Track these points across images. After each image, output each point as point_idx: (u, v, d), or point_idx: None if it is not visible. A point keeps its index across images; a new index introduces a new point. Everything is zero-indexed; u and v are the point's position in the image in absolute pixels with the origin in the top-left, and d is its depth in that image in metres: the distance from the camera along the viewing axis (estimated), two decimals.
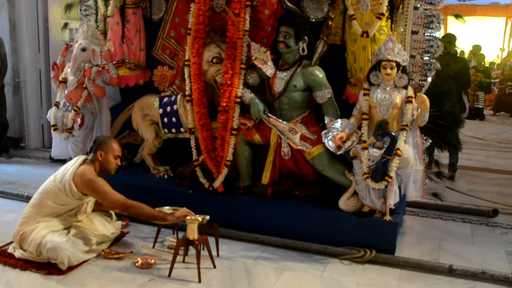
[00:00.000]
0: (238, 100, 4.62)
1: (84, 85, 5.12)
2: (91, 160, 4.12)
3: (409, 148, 4.16)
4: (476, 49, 15.67)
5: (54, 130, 5.18)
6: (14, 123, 7.51)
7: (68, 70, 5.19)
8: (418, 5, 4.52)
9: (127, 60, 5.46)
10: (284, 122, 4.55)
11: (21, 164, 6.98)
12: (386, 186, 4.13)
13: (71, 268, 3.82)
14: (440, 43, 4.54)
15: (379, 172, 4.09)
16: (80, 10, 5.85)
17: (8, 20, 7.34)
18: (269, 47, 4.66)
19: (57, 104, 5.21)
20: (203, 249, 4.02)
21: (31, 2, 7.39)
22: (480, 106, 12.32)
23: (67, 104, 5.15)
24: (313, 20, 4.81)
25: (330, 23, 4.71)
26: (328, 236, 4.34)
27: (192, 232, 3.81)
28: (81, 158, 4.16)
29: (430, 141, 4.55)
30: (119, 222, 4.49)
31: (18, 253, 3.93)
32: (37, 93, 7.76)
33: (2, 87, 6.78)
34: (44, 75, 7.65)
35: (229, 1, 4.62)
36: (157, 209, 4.21)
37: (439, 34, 4.66)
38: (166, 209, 4.33)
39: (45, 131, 7.84)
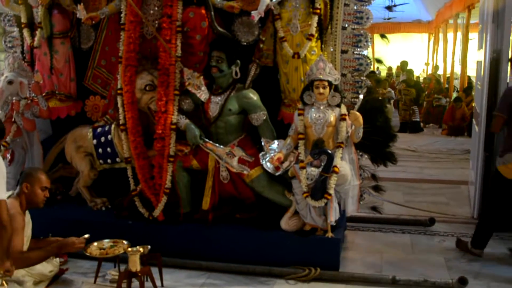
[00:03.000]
0: (174, 126, 4.59)
1: (13, 119, 4.94)
2: (17, 193, 3.95)
3: (346, 164, 4.25)
4: (404, 64, 16.27)
5: None
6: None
7: None
8: (346, 25, 4.66)
9: (57, 91, 5.29)
10: (221, 146, 4.54)
11: None
12: (326, 204, 4.18)
13: None
14: (369, 61, 4.68)
15: (318, 190, 4.14)
16: (5, 41, 5.67)
17: None
18: (202, 72, 4.66)
19: None
20: (147, 280, 3.92)
21: None
22: (417, 119, 12.72)
23: None
24: (245, 43, 4.86)
25: (261, 45, 4.75)
26: (273, 257, 4.35)
27: (134, 264, 3.73)
28: (8, 193, 3.98)
29: (366, 156, 4.65)
30: (57, 259, 4.31)
31: None
32: None
33: None
34: None
35: (160, 28, 4.61)
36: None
37: (367, 52, 4.80)
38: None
39: None
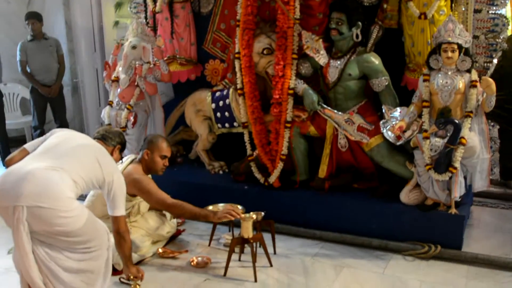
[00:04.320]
0: (291, 91, 4.47)
1: (136, 83, 5.10)
2: (139, 159, 4.08)
3: (475, 136, 3.91)
4: None
5: None
6: (74, 123, 7.65)
7: (120, 68, 5.19)
8: None
9: (178, 56, 5.41)
10: (340, 112, 4.36)
11: None
12: (450, 178, 3.89)
13: None
14: (506, 21, 4.24)
15: (443, 162, 3.86)
16: (130, 7, 5.85)
17: (64, 22, 7.47)
18: (321, 34, 4.48)
19: (110, 103, 5.22)
20: (259, 246, 3.91)
21: (85, 3, 7.48)
22: None
23: (120, 102, 5.15)
24: (367, 4, 4.57)
25: (385, 6, 4.48)
26: (390, 231, 4.15)
27: (247, 231, 3.71)
28: (130, 157, 4.14)
29: (498, 127, 4.27)
30: (174, 220, 4.45)
31: None
32: (95, 92, 7.87)
33: (61, 88, 6.89)
34: (100, 75, 7.69)
35: None
36: (210, 207, 4.14)
37: (505, 11, 4.34)
38: (221, 206, 4.25)
39: None
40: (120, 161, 3.99)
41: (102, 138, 3.54)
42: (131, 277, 3.51)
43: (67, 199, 2.88)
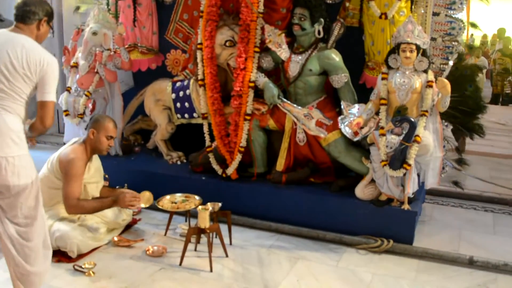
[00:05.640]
0: (252, 84, 4.49)
1: (96, 70, 5.03)
2: (84, 140, 3.97)
3: (429, 134, 4.02)
4: (501, 32, 15.23)
5: (66, 115, 5.10)
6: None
7: (79, 54, 5.10)
8: None
9: (139, 44, 5.36)
10: (299, 107, 4.41)
11: (37, 150, 6.90)
12: (404, 174, 4.00)
13: (81, 255, 3.77)
14: (463, 25, 4.36)
15: (398, 159, 3.96)
16: None
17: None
18: (284, 29, 4.52)
19: (68, 89, 5.12)
20: (216, 237, 3.92)
21: None
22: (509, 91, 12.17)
23: (78, 89, 5.06)
24: (330, 1, 4.66)
25: (347, 4, 4.56)
26: (344, 225, 4.23)
27: (204, 221, 3.72)
28: (74, 139, 4.05)
29: (451, 127, 4.40)
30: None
31: None
32: None
33: None
34: (58, 60, 7.47)
35: None
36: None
37: (462, 15, 4.47)
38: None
39: (60, 116, 7.75)
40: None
41: (22, 19, 2.99)
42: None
43: (15, 146, 2.84)
